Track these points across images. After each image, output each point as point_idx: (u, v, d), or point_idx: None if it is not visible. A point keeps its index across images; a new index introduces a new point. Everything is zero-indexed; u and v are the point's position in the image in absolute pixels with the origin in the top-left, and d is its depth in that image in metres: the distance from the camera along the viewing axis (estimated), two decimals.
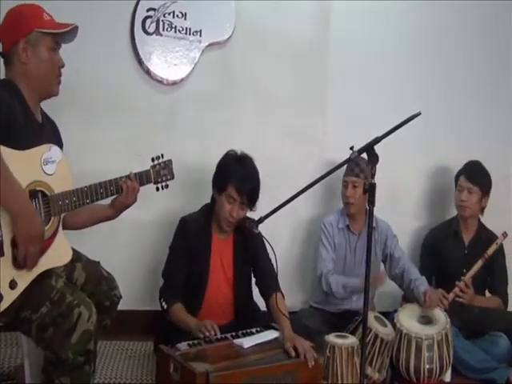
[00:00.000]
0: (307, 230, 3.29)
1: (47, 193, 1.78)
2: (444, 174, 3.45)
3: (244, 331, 2.34)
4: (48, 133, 1.92)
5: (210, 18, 2.96)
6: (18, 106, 1.75)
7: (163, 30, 2.91)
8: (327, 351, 2.42)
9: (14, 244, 1.64)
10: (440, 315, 2.72)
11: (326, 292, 2.85)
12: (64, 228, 1.87)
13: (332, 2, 3.22)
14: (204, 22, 2.97)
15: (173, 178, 2.16)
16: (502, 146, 3.56)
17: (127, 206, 2.02)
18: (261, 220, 2.19)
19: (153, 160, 2.11)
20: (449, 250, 3.12)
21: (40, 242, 1.68)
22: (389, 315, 2.81)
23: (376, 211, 1.98)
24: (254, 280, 2.62)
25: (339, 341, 2.43)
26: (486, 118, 3.53)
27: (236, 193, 2.41)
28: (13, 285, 1.64)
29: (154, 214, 2.98)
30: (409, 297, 2.91)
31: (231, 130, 3.07)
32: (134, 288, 2.95)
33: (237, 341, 2.23)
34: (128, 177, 1.99)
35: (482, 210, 3.13)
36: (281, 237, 3.16)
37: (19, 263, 1.65)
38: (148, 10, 2.88)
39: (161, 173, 2.11)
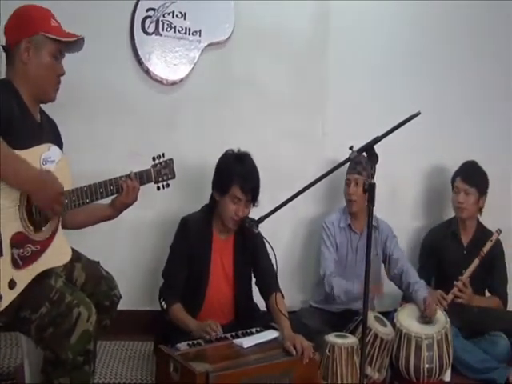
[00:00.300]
0: (307, 229, 3.29)
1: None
2: (443, 174, 3.44)
3: (244, 331, 2.34)
4: (48, 133, 1.92)
5: (209, 17, 2.96)
6: (15, 106, 1.75)
7: (163, 30, 2.91)
8: (327, 351, 2.42)
9: (13, 243, 1.64)
10: (440, 315, 2.72)
11: (328, 293, 2.85)
12: (63, 227, 1.88)
13: (331, 2, 3.22)
14: (203, 22, 2.97)
15: (174, 177, 2.15)
16: (501, 146, 3.55)
17: (127, 206, 2.01)
18: (261, 220, 2.19)
19: (154, 159, 2.11)
20: (448, 251, 3.12)
21: (62, 198, 1.76)
22: (389, 315, 2.81)
23: (375, 211, 1.98)
24: (253, 280, 2.62)
25: (339, 340, 2.43)
26: (485, 117, 3.52)
27: (241, 192, 2.41)
28: (12, 285, 1.64)
29: (153, 213, 2.98)
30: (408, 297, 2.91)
31: (231, 130, 3.07)
32: (134, 288, 2.95)
33: (236, 341, 2.23)
34: (128, 176, 1.99)
35: (479, 210, 3.12)
36: (281, 236, 3.16)
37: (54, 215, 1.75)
38: (147, 10, 2.88)
39: (162, 172, 2.11)
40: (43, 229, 1.77)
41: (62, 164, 1.84)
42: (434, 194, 3.51)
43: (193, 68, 3.00)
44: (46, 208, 1.72)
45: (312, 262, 3.19)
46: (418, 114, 1.90)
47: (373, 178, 1.92)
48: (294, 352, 2.17)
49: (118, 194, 1.98)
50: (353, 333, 2.56)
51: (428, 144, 3.42)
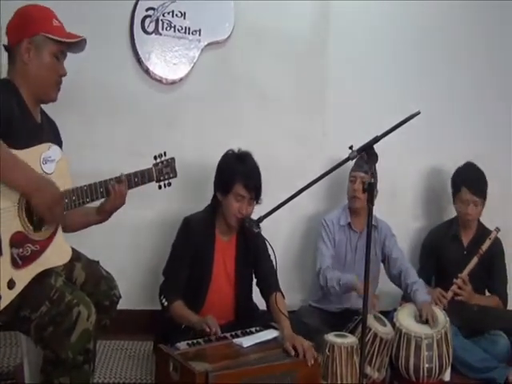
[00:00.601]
0: (306, 229, 3.29)
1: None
2: (444, 174, 3.44)
3: (243, 330, 2.34)
4: (48, 133, 1.91)
5: (209, 17, 2.97)
6: (16, 106, 1.74)
7: (162, 29, 2.91)
8: (326, 350, 2.41)
9: (12, 243, 1.64)
10: (439, 314, 2.72)
11: (323, 288, 2.84)
12: None
13: (331, 2, 3.22)
14: (203, 22, 2.97)
15: (175, 176, 2.15)
16: (501, 146, 3.55)
17: (115, 210, 1.99)
18: (260, 219, 2.19)
19: (155, 158, 2.10)
20: (448, 252, 3.12)
21: (62, 201, 1.76)
22: (388, 314, 2.81)
23: (375, 211, 1.98)
24: (254, 280, 2.62)
25: (339, 340, 2.43)
26: (485, 117, 3.52)
27: (244, 190, 2.42)
28: (11, 284, 1.64)
29: (153, 213, 2.98)
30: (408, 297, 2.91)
31: (231, 130, 3.07)
32: (134, 287, 2.95)
33: (236, 340, 2.23)
34: (118, 179, 1.95)
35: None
36: (280, 236, 3.16)
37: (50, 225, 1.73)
38: (147, 10, 2.88)
39: (163, 171, 2.10)
40: (43, 228, 1.77)
41: (62, 163, 1.84)
42: (435, 194, 3.51)
43: (192, 67, 3.00)
44: (45, 211, 1.71)
45: (310, 261, 3.19)
46: (418, 113, 1.90)
47: (372, 177, 1.92)
48: (293, 352, 2.16)
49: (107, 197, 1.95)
50: (352, 332, 2.56)
51: (428, 144, 3.42)
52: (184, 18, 2.94)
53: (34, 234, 1.73)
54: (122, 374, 2.54)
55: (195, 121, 3.04)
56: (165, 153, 2.11)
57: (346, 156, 2.00)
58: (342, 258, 2.97)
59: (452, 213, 3.26)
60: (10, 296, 1.65)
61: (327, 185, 3.16)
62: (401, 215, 3.39)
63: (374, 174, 1.93)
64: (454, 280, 2.88)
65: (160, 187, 2.11)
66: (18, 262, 1.67)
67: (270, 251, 2.45)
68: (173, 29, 2.93)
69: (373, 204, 1.92)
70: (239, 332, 2.32)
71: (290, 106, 3.21)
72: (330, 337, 2.46)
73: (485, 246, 2.93)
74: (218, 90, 3.07)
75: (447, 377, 2.73)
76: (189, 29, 2.95)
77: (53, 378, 1.74)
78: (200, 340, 2.20)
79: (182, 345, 2.15)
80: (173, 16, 2.92)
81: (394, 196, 3.38)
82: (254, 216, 2.39)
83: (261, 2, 3.07)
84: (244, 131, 3.09)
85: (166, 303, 2.42)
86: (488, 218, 3.17)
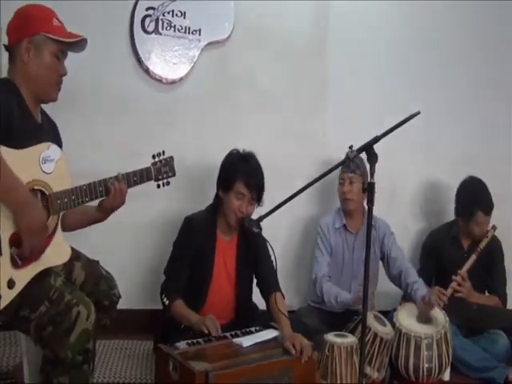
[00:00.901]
0: (304, 229, 3.29)
1: (46, 191, 1.77)
2: (444, 174, 3.45)
3: (243, 330, 2.34)
4: (48, 133, 1.91)
5: (209, 16, 2.97)
6: (15, 106, 1.74)
7: (162, 28, 2.91)
8: (326, 350, 2.42)
9: (12, 242, 1.64)
10: (439, 314, 2.72)
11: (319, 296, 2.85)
12: None
13: (331, 2, 3.22)
14: (203, 21, 2.97)
15: (174, 175, 2.14)
16: (501, 146, 3.55)
17: (115, 209, 1.98)
18: (260, 219, 2.19)
19: (154, 157, 2.10)
20: (448, 254, 3.12)
21: (44, 232, 1.70)
22: (388, 314, 2.81)
23: (375, 211, 1.98)
24: (255, 281, 2.62)
25: (338, 340, 2.43)
26: (485, 117, 3.52)
27: (245, 188, 2.43)
28: (11, 284, 1.64)
29: (153, 213, 2.98)
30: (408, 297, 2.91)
31: (230, 129, 3.07)
32: (134, 287, 2.96)
33: (236, 340, 2.23)
34: (116, 178, 1.95)
35: None
36: (279, 236, 3.16)
37: (24, 255, 1.66)
38: (147, 9, 2.88)
39: (162, 170, 2.09)
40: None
41: (61, 163, 1.84)
42: (434, 194, 3.51)
43: (192, 67, 3.00)
44: (28, 233, 1.64)
45: (308, 261, 3.19)
46: (418, 113, 1.90)
47: (372, 177, 1.92)
48: (294, 351, 2.17)
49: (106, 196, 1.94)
50: (352, 332, 2.56)
51: (427, 144, 3.42)
52: (184, 18, 2.94)
53: None
54: (122, 374, 2.54)
55: (195, 120, 3.04)
56: (163, 152, 2.11)
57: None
58: (340, 260, 2.97)
59: (451, 213, 3.25)
60: (9, 296, 1.65)
61: (323, 185, 3.15)
62: (400, 215, 3.39)
63: (373, 174, 1.92)
64: (453, 277, 2.89)
65: (158, 186, 2.11)
66: (18, 262, 1.67)
67: (270, 251, 2.45)
68: (173, 28, 2.93)
69: (373, 204, 1.92)
70: (239, 332, 2.32)
71: (289, 106, 3.21)
72: (330, 336, 2.46)
73: (482, 245, 2.93)
74: (218, 89, 3.07)
75: (447, 376, 2.73)
76: (189, 28, 2.95)
77: (52, 377, 1.74)
78: (200, 340, 2.20)
79: (182, 344, 2.15)
80: (173, 16, 2.92)
81: (394, 196, 3.38)
82: (254, 216, 2.40)
83: (261, 2, 3.07)
84: (244, 131, 3.09)
85: (166, 302, 2.42)
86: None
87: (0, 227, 1.61)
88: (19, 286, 1.67)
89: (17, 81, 1.82)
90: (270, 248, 2.44)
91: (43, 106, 1.94)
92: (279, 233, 3.17)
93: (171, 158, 2.13)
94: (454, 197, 3.18)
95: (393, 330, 2.65)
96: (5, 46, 1.87)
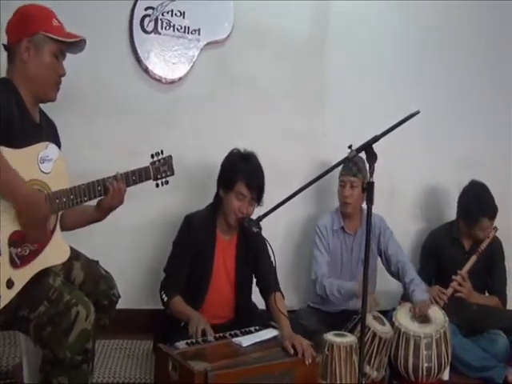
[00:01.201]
0: (302, 229, 3.28)
1: (44, 191, 1.77)
2: (444, 174, 3.45)
3: (243, 330, 2.34)
4: (46, 133, 1.91)
5: (208, 16, 2.96)
6: (14, 106, 1.74)
7: (162, 28, 2.91)
8: (325, 350, 2.41)
9: (11, 242, 1.64)
10: (438, 314, 2.73)
11: (321, 295, 2.84)
12: None
13: (331, 2, 3.22)
14: (202, 21, 2.97)
15: (173, 174, 2.13)
16: (501, 146, 3.55)
17: (113, 208, 1.97)
18: (259, 219, 2.19)
19: (152, 156, 2.09)
20: (449, 254, 3.12)
21: (47, 218, 1.74)
22: (387, 314, 2.81)
23: (375, 211, 1.98)
24: (254, 280, 2.62)
25: (338, 339, 2.43)
26: (485, 117, 3.52)
27: (246, 189, 2.42)
28: (10, 284, 1.64)
29: (152, 212, 2.98)
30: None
31: (230, 129, 3.07)
32: (133, 287, 2.95)
33: (235, 339, 2.23)
34: (115, 177, 1.94)
35: None
36: (276, 236, 3.13)
37: (30, 242, 1.69)
38: (146, 9, 2.88)
39: (160, 169, 2.09)
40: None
41: (60, 163, 1.84)
42: (434, 194, 3.51)
43: (192, 67, 2.99)
44: (30, 230, 1.69)
45: (307, 260, 3.18)
46: (417, 112, 1.90)
47: (372, 176, 1.92)
48: (292, 351, 2.16)
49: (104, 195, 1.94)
50: (351, 332, 2.56)
51: (427, 144, 3.42)
52: (183, 18, 2.94)
53: None
54: (122, 374, 2.54)
55: (194, 120, 3.04)
56: (162, 151, 2.11)
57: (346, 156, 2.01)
58: (339, 261, 2.96)
59: (451, 213, 3.25)
60: (9, 295, 1.65)
61: (321, 186, 3.14)
62: (400, 215, 3.38)
63: (372, 173, 1.92)
64: (453, 277, 2.89)
65: (157, 185, 2.11)
66: (17, 262, 1.67)
67: (270, 251, 2.45)
68: (172, 28, 2.93)
69: (372, 203, 1.92)
70: (238, 331, 2.32)
71: (289, 106, 3.20)
72: (329, 336, 2.46)
73: (483, 245, 2.95)
74: (217, 89, 3.06)
75: (446, 376, 2.74)
76: (188, 28, 2.95)
77: (51, 377, 1.74)
78: (199, 339, 2.20)
79: (182, 344, 2.15)
80: (172, 15, 2.92)
81: (393, 196, 3.38)
82: (253, 215, 2.40)
83: (260, 2, 3.07)
84: (243, 131, 3.08)
85: (165, 299, 2.42)
86: None
87: None
88: (18, 286, 1.67)
89: (15, 80, 1.82)
90: (269, 248, 2.44)
91: (42, 105, 1.94)
92: (278, 233, 3.17)
93: (170, 156, 2.13)
94: (454, 197, 3.18)
95: (392, 329, 2.65)
96: (4, 45, 1.87)
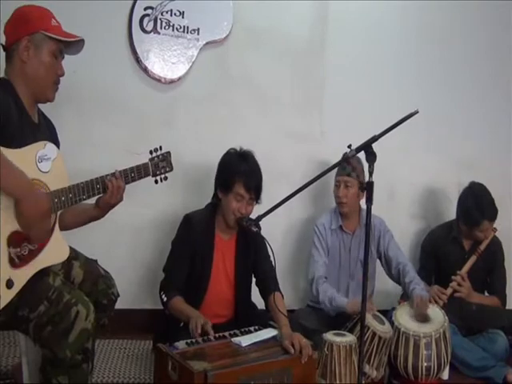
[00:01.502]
0: (301, 229, 3.28)
1: (43, 191, 1.77)
2: (444, 174, 3.45)
3: (242, 329, 2.34)
4: (45, 133, 1.91)
5: (207, 16, 2.96)
6: (13, 105, 1.74)
7: (161, 28, 2.91)
8: (325, 349, 2.41)
9: (10, 242, 1.64)
10: (438, 313, 2.73)
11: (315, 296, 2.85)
12: None
13: (330, 2, 3.22)
14: (202, 21, 2.97)
15: (172, 169, 2.13)
16: (501, 146, 3.56)
17: (112, 206, 1.97)
18: (258, 218, 2.19)
19: (151, 152, 2.09)
20: (449, 254, 3.12)
21: (49, 217, 1.74)
22: (387, 314, 2.81)
23: (374, 211, 1.98)
24: (254, 280, 2.61)
25: (337, 339, 2.43)
26: (485, 117, 3.53)
27: (244, 190, 2.41)
28: (9, 284, 1.64)
29: (152, 212, 2.98)
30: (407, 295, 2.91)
31: (229, 129, 3.07)
32: (133, 286, 2.95)
33: (235, 339, 2.23)
34: (113, 175, 1.94)
35: None
36: (274, 236, 3.13)
37: (33, 241, 1.69)
38: (146, 9, 2.88)
39: (159, 165, 2.09)
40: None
41: (58, 162, 1.84)
42: (433, 194, 3.51)
43: (191, 66, 2.99)
44: (30, 222, 1.68)
45: (306, 260, 3.18)
46: (416, 112, 1.89)
47: (371, 176, 1.92)
48: (293, 350, 2.16)
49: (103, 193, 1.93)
50: (351, 331, 2.55)
51: (427, 144, 3.42)
52: (182, 17, 2.94)
53: None
54: (121, 374, 2.54)
55: (193, 120, 3.04)
56: (160, 147, 2.10)
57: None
58: (337, 261, 2.96)
59: (451, 213, 3.25)
60: (8, 295, 1.65)
61: (320, 185, 3.15)
62: (399, 215, 3.39)
63: (371, 173, 1.92)
64: (453, 277, 2.89)
65: (156, 182, 2.10)
66: (16, 262, 1.67)
67: (269, 251, 2.44)
68: (171, 28, 2.93)
69: (371, 203, 1.92)
70: (238, 331, 2.32)
71: (288, 106, 3.21)
72: (329, 335, 2.45)
73: (482, 246, 2.96)
74: (217, 89, 3.06)
75: (445, 375, 2.74)
76: (187, 28, 2.95)
77: (51, 377, 1.74)
78: (199, 339, 2.20)
79: (181, 344, 2.15)
80: (171, 15, 2.92)
81: (393, 196, 3.38)
82: (252, 215, 2.40)
83: (259, 2, 3.07)
84: (242, 130, 3.08)
85: (165, 299, 2.42)
86: None
87: None
88: (18, 286, 1.67)
89: (14, 80, 1.82)
90: (269, 247, 2.44)
91: (40, 105, 1.94)
92: (276, 233, 3.17)
93: (168, 152, 2.12)
94: (453, 197, 3.19)
95: (391, 328, 2.65)
96: (2, 45, 1.87)
